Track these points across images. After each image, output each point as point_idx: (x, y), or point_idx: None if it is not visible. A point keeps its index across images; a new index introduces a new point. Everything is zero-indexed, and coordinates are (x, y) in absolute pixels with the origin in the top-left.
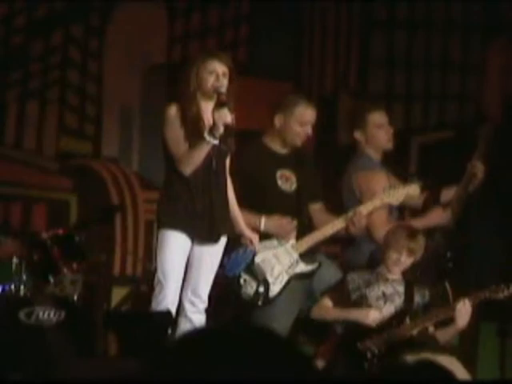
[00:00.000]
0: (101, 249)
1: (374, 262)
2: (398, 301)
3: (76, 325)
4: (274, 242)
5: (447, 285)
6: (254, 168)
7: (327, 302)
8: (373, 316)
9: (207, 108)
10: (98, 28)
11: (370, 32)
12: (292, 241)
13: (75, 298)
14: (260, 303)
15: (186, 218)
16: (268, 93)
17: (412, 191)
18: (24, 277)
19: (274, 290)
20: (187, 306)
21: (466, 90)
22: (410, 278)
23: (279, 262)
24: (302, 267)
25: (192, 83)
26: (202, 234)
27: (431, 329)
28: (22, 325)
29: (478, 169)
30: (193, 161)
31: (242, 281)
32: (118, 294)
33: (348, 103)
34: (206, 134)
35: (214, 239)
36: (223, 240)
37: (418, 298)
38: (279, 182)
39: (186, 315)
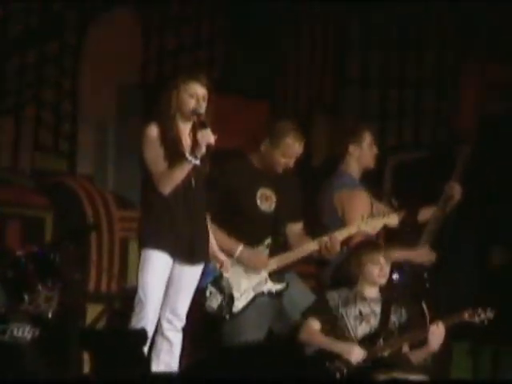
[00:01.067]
0: (76, 266)
1: (349, 279)
2: (374, 321)
3: (50, 342)
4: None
5: (424, 305)
6: (234, 184)
7: (315, 325)
8: (355, 354)
9: (185, 129)
10: (73, 46)
11: (345, 51)
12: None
13: (50, 315)
14: (224, 316)
15: (168, 237)
16: (243, 111)
17: (391, 221)
18: None
19: (238, 305)
20: (165, 324)
21: (440, 109)
22: (388, 297)
23: (248, 278)
24: (270, 286)
25: (173, 105)
26: (183, 255)
27: (405, 349)
28: None
29: (456, 190)
30: (172, 180)
31: (207, 293)
32: (92, 311)
33: (323, 124)
34: (187, 155)
35: (195, 261)
36: (201, 266)
37: (394, 318)
38: (258, 202)
39: (162, 333)
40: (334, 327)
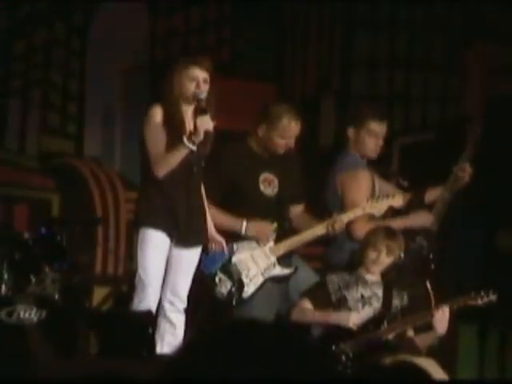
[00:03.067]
0: (82, 248)
1: (355, 262)
2: (376, 304)
3: (57, 324)
4: (253, 243)
5: (429, 286)
6: (236, 170)
7: (307, 304)
8: (353, 319)
9: (187, 112)
10: (81, 27)
11: (353, 33)
12: (271, 243)
13: (56, 297)
14: (233, 303)
15: (166, 217)
16: (251, 94)
17: (395, 203)
18: (5, 276)
19: (248, 291)
20: (166, 305)
21: (448, 91)
22: (389, 281)
23: (256, 263)
24: (278, 270)
25: (175, 89)
26: (179, 236)
27: (411, 333)
28: (3, 324)
29: (465, 171)
30: (169, 164)
31: (217, 279)
32: (99, 293)
33: (330, 105)
34: (185, 140)
35: (191, 243)
36: (199, 247)
37: (396, 301)
38: (261, 186)
39: (165, 315)
40: (327, 309)
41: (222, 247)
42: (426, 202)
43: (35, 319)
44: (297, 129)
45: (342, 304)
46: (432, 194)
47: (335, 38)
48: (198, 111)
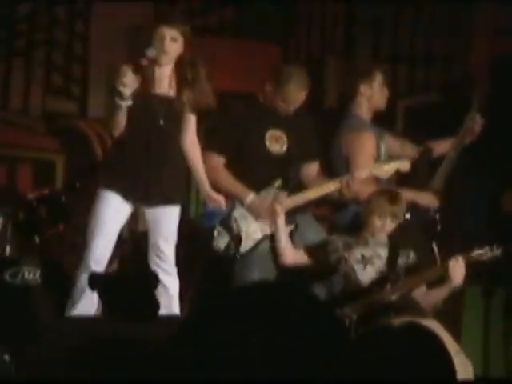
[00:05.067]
0: (86, 209)
1: (359, 224)
2: (379, 263)
3: (61, 285)
4: (258, 196)
5: (435, 247)
6: (243, 126)
7: (303, 255)
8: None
9: (161, 71)
10: None
11: None
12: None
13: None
14: (230, 256)
15: (121, 178)
16: (257, 55)
17: (402, 167)
18: (9, 237)
19: (246, 246)
20: (155, 269)
21: (452, 51)
22: (395, 240)
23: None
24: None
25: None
26: (137, 196)
27: (423, 289)
28: (7, 285)
29: (476, 121)
30: (115, 124)
31: (215, 232)
32: None
33: (335, 65)
34: (115, 97)
35: (151, 203)
36: (174, 207)
37: (401, 260)
38: (268, 143)
39: (161, 282)
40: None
41: (220, 204)
42: (437, 152)
43: (39, 280)
44: (301, 97)
45: (341, 264)
46: (442, 146)
47: None
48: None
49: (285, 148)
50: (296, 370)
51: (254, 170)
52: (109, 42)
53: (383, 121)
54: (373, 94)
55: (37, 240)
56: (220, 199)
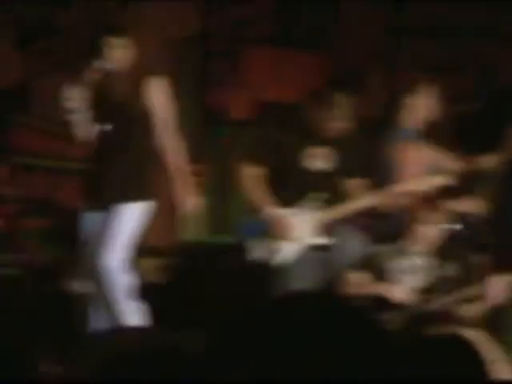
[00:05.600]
0: None
1: (401, 234)
2: (422, 275)
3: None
4: (298, 209)
5: (478, 259)
6: (286, 140)
7: (355, 277)
8: (398, 291)
9: None
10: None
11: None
12: (311, 212)
13: None
14: (269, 266)
15: (89, 189)
16: (297, 63)
17: (446, 181)
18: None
19: (283, 256)
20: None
21: (497, 61)
22: (439, 250)
23: (295, 230)
24: (319, 239)
25: None
26: (94, 203)
27: (457, 303)
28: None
29: None
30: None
31: (253, 243)
32: (149, 265)
33: (378, 75)
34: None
35: (105, 204)
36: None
37: (445, 272)
38: (309, 160)
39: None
40: (381, 281)
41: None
42: (481, 167)
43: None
44: (343, 126)
45: (386, 275)
46: (486, 160)
47: (384, 3)
48: None
49: (327, 164)
50: (341, 377)
51: (291, 183)
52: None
53: (428, 130)
54: (417, 106)
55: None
56: (191, 204)
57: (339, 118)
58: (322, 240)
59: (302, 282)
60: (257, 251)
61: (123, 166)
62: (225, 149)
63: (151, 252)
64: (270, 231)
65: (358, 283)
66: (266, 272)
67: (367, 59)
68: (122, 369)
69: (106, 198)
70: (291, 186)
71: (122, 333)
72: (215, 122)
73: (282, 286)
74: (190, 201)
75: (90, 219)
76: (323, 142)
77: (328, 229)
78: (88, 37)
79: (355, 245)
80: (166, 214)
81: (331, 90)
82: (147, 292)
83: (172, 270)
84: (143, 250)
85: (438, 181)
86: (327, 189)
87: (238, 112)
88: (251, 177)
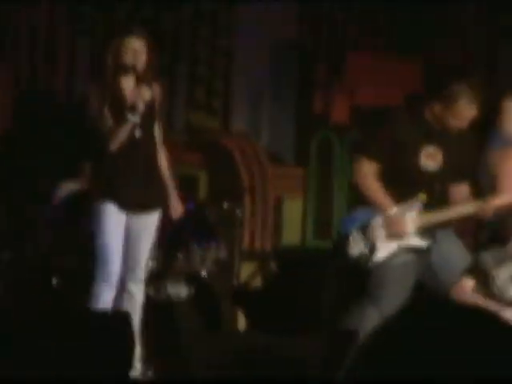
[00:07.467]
0: (230, 225)
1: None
2: None
3: (204, 300)
4: (400, 209)
5: None
6: (403, 138)
7: (467, 283)
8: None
9: (128, 84)
10: (228, 3)
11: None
12: (413, 214)
13: (204, 273)
14: (363, 264)
15: (115, 189)
16: (398, 69)
17: None
18: (153, 252)
19: (380, 255)
20: (128, 274)
21: None
22: None
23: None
24: (415, 241)
25: (111, 61)
26: (131, 205)
27: None
28: (151, 300)
29: None
30: (117, 138)
31: (351, 238)
32: (246, 269)
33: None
34: (127, 114)
35: (144, 210)
36: (156, 213)
37: None
38: (422, 160)
39: (123, 284)
40: (486, 289)
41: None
42: None
43: (183, 295)
44: (472, 112)
45: (492, 283)
46: None
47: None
48: (136, 82)
49: (438, 165)
50: None
51: (402, 182)
52: (251, 56)
53: None
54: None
55: (180, 256)
56: (179, 210)
57: (468, 107)
58: (418, 242)
59: (396, 285)
60: (356, 247)
61: (153, 174)
62: (328, 153)
63: (255, 256)
64: (376, 227)
65: (466, 291)
66: (364, 274)
67: (467, 60)
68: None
69: (146, 201)
70: (403, 185)
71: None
72: (318, 125)
73: (377, 287)
74: (180, 207)
75: (113, 215)
76: (439, 141)
77: (429, 231)
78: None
79: (456, 249)
80: (266, 218)
81: (458, 86)
82: (248, 296)
83: (271, 275)
84: (245, 254)
85: None
86: (435, 190)
87: (340, 116)
88: (367, 173)
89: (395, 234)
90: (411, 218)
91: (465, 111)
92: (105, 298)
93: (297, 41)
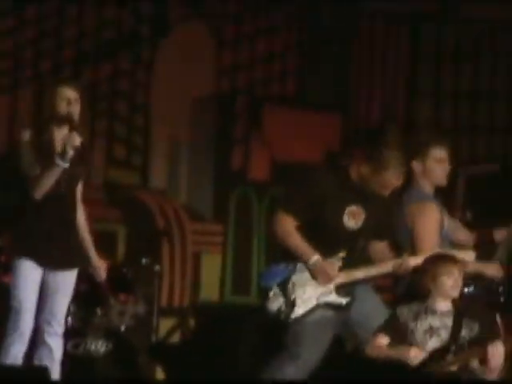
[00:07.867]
0: (148, 280)
1: (424, 292)
2: (445, 335)
3: (123, 355)
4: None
5: (498, 319)
6: (325, 196)
7: (382, 340)
8: (414, 354)
9: (59, 133)
10: (146, 59)
11: (418, 64)
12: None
13: (122, 328)
14: (282, 320)
15: (35, 244)
16: (316, 124)
17: (467, 257)
18: (71, 308)
19: (298, 311)
20: (44, 329)
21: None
22: (460, 310)
23: (314, 286)
24: (333, 298)
25: (45, 109)
26: (51, 261)
27: (474, 364)
28: (69, 356)
29: None
30: (43, 185)
31: (271, 294)
32: (165, 325)
33: (396, 135)
34: (56, 158)
35: (65, 266)
36: (74, 270)
37: (465, 332)
38: (345, 219)
39: (43, 340)
40: (404, 342)
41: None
42: (496, 240)
43: (102, 351)
44: (399, 182)
45: (410, 336)
46: (501, 233)
47: (400, 67)
48: (69, 129)
49: (360, 224)
50: None
51: (324, 240)
52: (170, 112)
53: (443, 191)
54: (427, 171)
55: (98, 311)
56: (103, 267)
57: (395, 177)
58: (338, 299)
59: (313, 342)
60: (275, 302)
61: (74, 230)
62: (247, 209)
63: (173, 312)
64: (296, 283)
65: (379, 346)
66: (282, 330)
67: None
68: None
69: (68, 257)
70: (324, 242)
71: None
72: (237, 182)
73: (295, 342)
74: (103, 265)
75: (30, 273)
76: (362, 200)
77: (348, 287)
78: None
79: (375, 305)
80: (185, 274)
81: (390, 152)
82: (167, 351)
83: (190, 331)
84: (164, 310)
85: (462, 256)
86: (356, 248)
87: (259, 172)
88: (287, 224)
89: (322, 282)
90: (334, 268)
91: (393, 180)
92: (14, 351)
93: (216, 96)
